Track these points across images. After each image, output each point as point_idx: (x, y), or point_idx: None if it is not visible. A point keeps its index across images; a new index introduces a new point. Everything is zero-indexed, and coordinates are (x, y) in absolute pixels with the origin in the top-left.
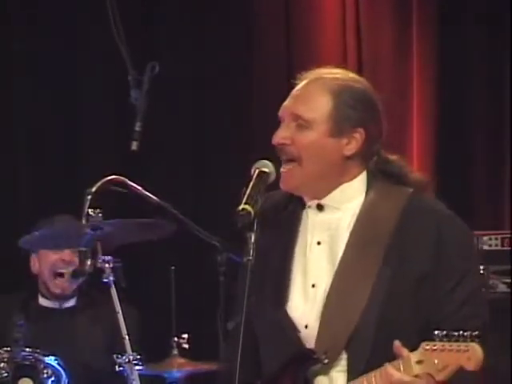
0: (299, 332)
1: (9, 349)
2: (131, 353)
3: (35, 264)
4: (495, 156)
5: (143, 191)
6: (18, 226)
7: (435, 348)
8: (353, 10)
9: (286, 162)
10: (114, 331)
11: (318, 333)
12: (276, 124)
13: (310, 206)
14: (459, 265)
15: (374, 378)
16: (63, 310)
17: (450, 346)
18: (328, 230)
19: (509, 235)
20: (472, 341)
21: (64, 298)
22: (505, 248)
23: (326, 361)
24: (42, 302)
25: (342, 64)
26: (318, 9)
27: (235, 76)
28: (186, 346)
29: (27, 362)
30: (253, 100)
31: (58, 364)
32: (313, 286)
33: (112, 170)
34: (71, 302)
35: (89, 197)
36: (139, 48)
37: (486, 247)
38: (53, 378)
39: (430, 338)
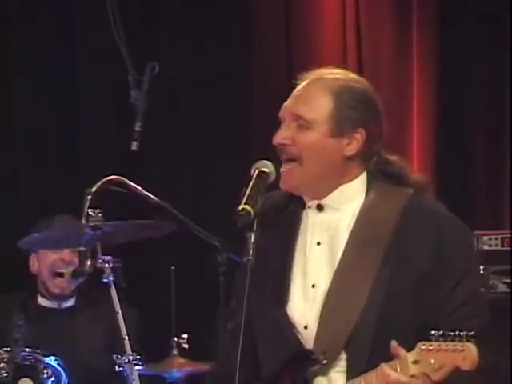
0: (299, 332)
1: (9, 349)
2: (131, 353)
3: (34, 264)
4: (495, 156)
5: (143, 191)
6: (17, 226)
7: (431, 348)
8: (353, 10)
9: (287, 162)
10: (114, 331)
11: (317, 333)
12: (276, 124)
13: (309, 207)
14: (459, 265)
15: (371, 378)
16: (62, 310)
17: (446, 345)
18: (328, 231)
19: (509, 235)
20: (468, 341)
21: (63, 297)
22: (505, 248)
23: (325, 361)
24: (42, 301)
25: (342, 64)
26: (317, 9)
27: (235, 76)
28: (186, 346)
29: (27, 363)
30: (253, 100)
31: (58, 364)
32: (313, 286)
33: (112, 170)
34: (70, 302)
35: (89, 197)
36: (139, 48)
37: (486, 247)
38: (53, 379)
39: (427, 338)
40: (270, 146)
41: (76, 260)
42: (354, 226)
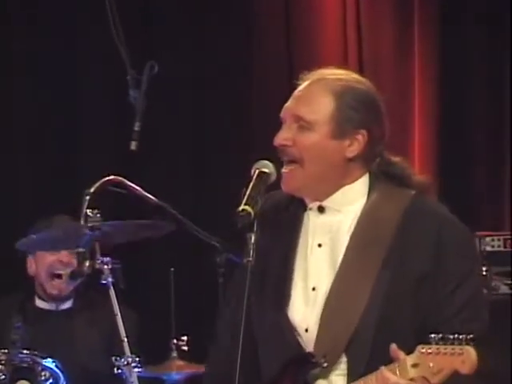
0: (299, 335)
1: (6, 351)
2: (130, 355)
3: (32, 265)
4: (497, 156)
5: (142, 191)
6: (15, 226)
7: (430, 351)
8: (353, 10)
9: (288, 163)
10: (112, 333)
11: (317, 336)
12: (276, 124)
13: (311, 208)
14: (459, 267)
15: (370, 381)
16: (60, 311)
17: (445, 349)
18: (329, 233)
19: (511, 236)
20: (467, 344)
21: (61, 299)
22: (507, 249)
23: (326, 364)
24: (39, 303)
25: (343, 64)
26: (318, 8)
27: (235, 76)
28: (186, 348)
29: (25, 365)
30: (253, 100)
31: (56, 366)
32: (313, 289)
33: (111, 170)
34: (68, 304)
35: (87, 197)
36: (138, 48)
37: (488, 248)
38: (51, 381)
39: (426, 341)
40: (270, 146)
41: (74, 261)
42: (356, 228)
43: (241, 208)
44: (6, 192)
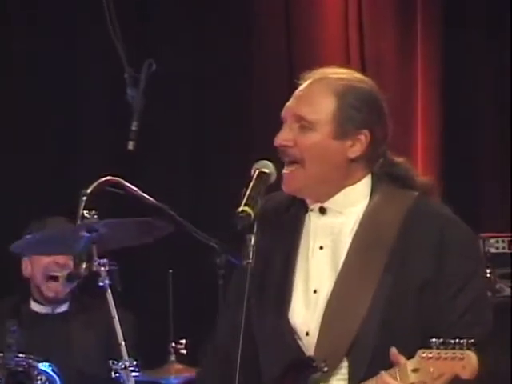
0: (300, 339)
1: (1, 355)
2: (127, 359)
3: (27, 267)
4: (500, 157)
5: (140, 192)
6: (10, 227)
7: (431, 356)
8: (355, 11)
9: (289, 164)
10: (109, 336)
11: (318, 340)
12: (276, 124)
13: (312, 210)
14: (462, 269)
15: None
16: (56, 315)
17: (446, 353)
18: (331, 235)
19: None
20: (468, 349)
21: (57, 302)
22: None
23: (326, 369)
24: (34, 306)
25: (344, 65)
26: (319, 7)
27: (235, 76)
28: (184, 351)
29: (20, 369)
30: (253, 100)
31: (52, 370)
32: (314, 291)
33: (108, 170)
34: (64, 307)
35: (84, 198)
36: (136, 46)
37: (492, 250)
38: None
39: (427, 346)
40: (271, 146)
41: (70, 263)
42: (358, 230)
43: (240, 209)
44: (1, 192)
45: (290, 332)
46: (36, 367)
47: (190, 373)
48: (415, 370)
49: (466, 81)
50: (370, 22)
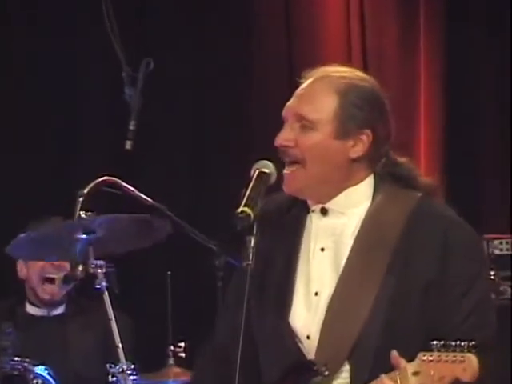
0: (300, 342)
1: None
2: (125, 362)
3: (23, 269)
4: (506, 155)
5: (137, 192)
6: (5, 228)
7: (432, 359)
8: (357, 5)
9: (289, 164)
10: (106, 339)
11: (319, 343)
12: (276, 124)
13: (313, 210)
14: (466, 271)
15: None
16: (52, 317)
17: (447, 356)
18: (332, 236)
19: None
20: (469, 351)
21: (52, 304)
22: None
23: (327, 373)
24: (30, 309)
25: (346, 61)
26: (320, 5)
27: (235, 76)
28: (183, 354)
29: (16, 372)
30: (253, 100)
31: (49, 374)
32: (316, 294)
33: (105, 170)
34: (60, 310)
35: (80, 198)
36: (136, 46)
37: (496, 251)
38: None
39: (428, 349)
40: (271, 146)
41: (67, 265)
42: (360, 231)
43: (240, 210)
44: (0, 192)
45: (290, 335)
46: (32, 371)
47: (188, 377)
48: (416, 373)
49: (468, 75)
50: (372, 16)
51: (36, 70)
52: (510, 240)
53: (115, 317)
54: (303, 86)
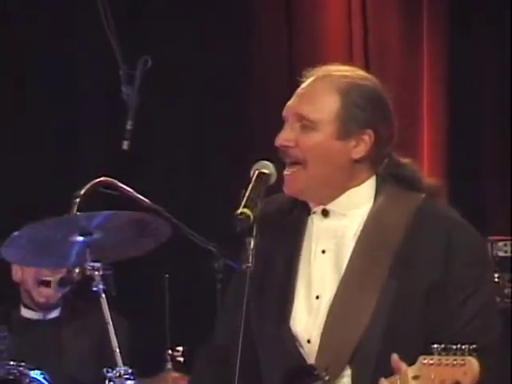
0: (301, 347)
1: None
2: (122, 366)
3: (17, 272)
4: (508, 155)
5: (134, 193)
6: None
7: (432, 362)
8: (359, 3)
9: (290, 165)
10: (102, 343)
11: (320, 347)
12: (276, 124)
13: (314, 212)
14: (470, 275)
15: None
16: (47, 321)
17: (447, 360)
18: (334, 238)
19: None
20: (470, 354)
21: (48, 307)
22: None
23: (328, 377)
24: (25, 313)
25: (348, 60)
26: (321, 3)
27: (235, 76)
28: (181, 359)
29: (11, 377)
30: (253, 100)
31: (44, 378)
32: (317, 297)
33: (102, 171)
34: (55, 313)
35: (77, 200)
36: (136, 46)
37: (501, 254)
38: None
39: (429, 352)
40: (271, 146)
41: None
42: (362, 233)
43: (239, 211)
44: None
45: (291, 339)
46: (27, 375)
47: (187, 381)
48: (416, 377)
49: (472, 77)
50: (374, 17)
51: (36, 70)
52: None
53: (112, 320)
54: (304, 85)
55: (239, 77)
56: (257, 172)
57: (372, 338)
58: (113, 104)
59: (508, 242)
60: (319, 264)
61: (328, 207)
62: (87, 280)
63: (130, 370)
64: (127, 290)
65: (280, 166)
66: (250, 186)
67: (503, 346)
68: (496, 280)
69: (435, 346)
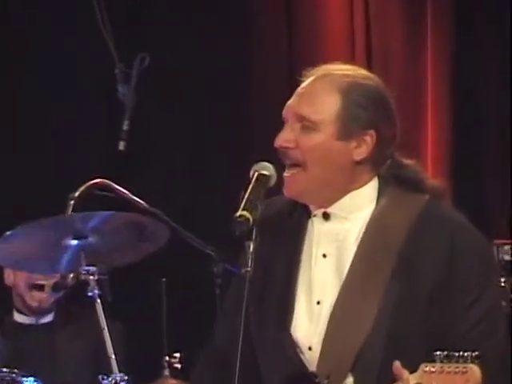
0: (302, 353)
1: None
2: (118, 373)
3: (10, 275)
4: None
5: (131, 196)
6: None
7: (434, 370)
8: (361, 3)
9: (290, 167)
10: (97, 349)
11: (321, 354)
12: (276, 124)
13: (315, 215)
14: (475, 279)
15: None
16: (40, 326)
17: (449, 367)
18: (335, 242)
19: None
20: (472, 362)
21: (41, 312)
22: None
23: None
24: (17, 317)
25: (350, 60)
26: (322, 2)
27: (235, 76)
28: (179, 365)
29: None
30: (253, 100)
31: None
32: (318, 302)
33: (97, 172)
34: (48, 318)
35: (71, 202)
36: (135, 46)
37: (507, 257)
38: None
39: (431, 359)
40: (271, 147)
41: None
42: (363, 237)
43: (238, 213)
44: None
45: (292, 346)
46: (20, 382)
47: None
48: None
49: (477, 74)
50: (377, 15)
51: (36, 70)
52: None
53: (107, 325)
54: (304, 84)
55: (239, 77)
56: (256, 173)
57: (374, 345)
58: (109, 103)
59: None
60: (320, 268)
61: (329, 210)
62: (82, 285)
63: (126, 377)
64: (123, 295)
65: (280, 167)
66: (250, 187)
67: (507, 351)
68: (502, 284)
69: (438, 353)
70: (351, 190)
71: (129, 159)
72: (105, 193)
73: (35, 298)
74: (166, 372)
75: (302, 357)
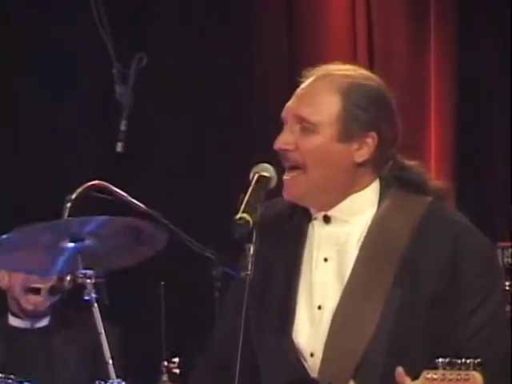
0: (304, 360)
1: None
2: (115, 378)
3: (4, 278)
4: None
5: (129, 198)
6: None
7: (436, 377)
8: (363, 2)
9: (290, 170)
10: (94, 353)
11: (322, 360)
12: (276, 125)
13: (316, 218)
14: (479, 282)
15: None
16: (35, 329)
17: (451, 374)
18: (336, 245)
19: None
20: (474, 369)
21: (36, 315)
22: None
23: None
24: (12, 321)
25: (351, 59)
26: (323, 4)
27: (235, 76)
28: (177, 370)
29: None
30: (253, 100)
31: None
32: (319, 307)
33: (95, 174)
34: (44, 322)
35: (68, 204)
36: (133, 42)
37: (511, 260)
38: None
39: (433, 366)
40: (271, 148)
41: None
42: (365, 240)
43: (238, 216)
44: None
45: (293, 352)
46: None
47: None
48: None
49: (481, 75)
50: (380, 14)
51: (36, 70)
52: None
53: (104, 329)
54: (304, 85)
55: (239, 77)
56: (256, 175)
57: (376, 351)
58: (107, 104)
59: None
60: (321, 272)
61: (330, 213)
62: (78, 288)
63: (123, 383)
64: (121, 299)
65: (280, 168)
66: (250, 189)
67: (510, 357)
68: (506, 288)
69: (440, 360)
70: (352, 193)
71: (128, 160)
72: (102, 195)
73: (31, 302)
74: (165, 377)
75: (304, 363)
